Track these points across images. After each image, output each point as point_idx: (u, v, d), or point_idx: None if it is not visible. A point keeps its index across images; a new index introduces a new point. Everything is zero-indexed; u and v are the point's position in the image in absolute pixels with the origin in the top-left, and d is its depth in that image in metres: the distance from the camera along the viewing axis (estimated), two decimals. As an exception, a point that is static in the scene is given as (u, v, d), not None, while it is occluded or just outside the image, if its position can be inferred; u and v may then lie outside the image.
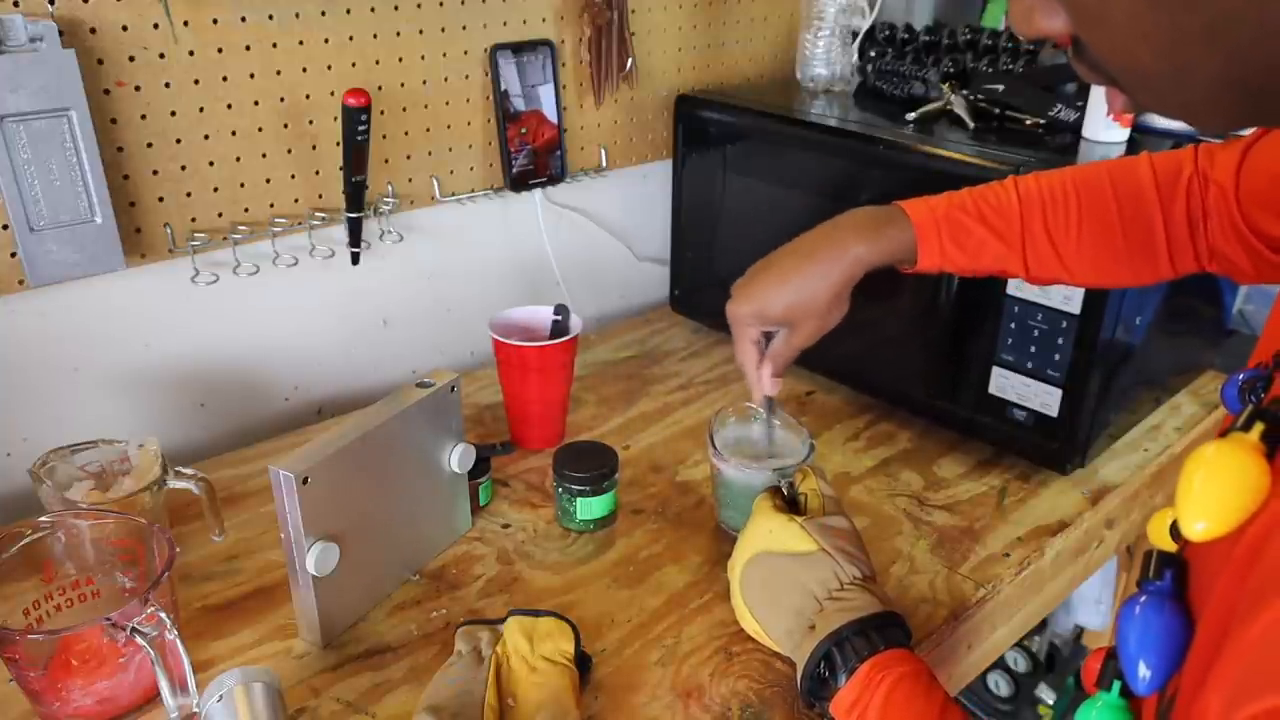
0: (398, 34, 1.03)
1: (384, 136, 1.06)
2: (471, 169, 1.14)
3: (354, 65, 1.01)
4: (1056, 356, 0.93)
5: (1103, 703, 0.48)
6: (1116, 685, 0.48)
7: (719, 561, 0.86)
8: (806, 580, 0.70)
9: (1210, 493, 0.40)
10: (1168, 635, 0.43)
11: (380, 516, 0.79)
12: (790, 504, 0.78)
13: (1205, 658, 0.38)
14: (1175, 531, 0.46)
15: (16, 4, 0.80)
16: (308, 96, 0.99)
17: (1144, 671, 0.43)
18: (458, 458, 0.85)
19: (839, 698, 0.65)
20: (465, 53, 1.09)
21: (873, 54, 1.28)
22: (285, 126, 0.98)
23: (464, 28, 1.08)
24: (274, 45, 0.95)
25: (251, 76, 0.94)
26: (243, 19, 0.92)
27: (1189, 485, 0.41)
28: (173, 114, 0.91)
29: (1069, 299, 0.90)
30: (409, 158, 1.09)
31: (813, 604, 0.69)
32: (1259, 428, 0.40)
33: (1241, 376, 0.47)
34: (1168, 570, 0.45)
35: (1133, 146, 0.99)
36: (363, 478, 0.77)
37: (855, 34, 1.30)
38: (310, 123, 1.00)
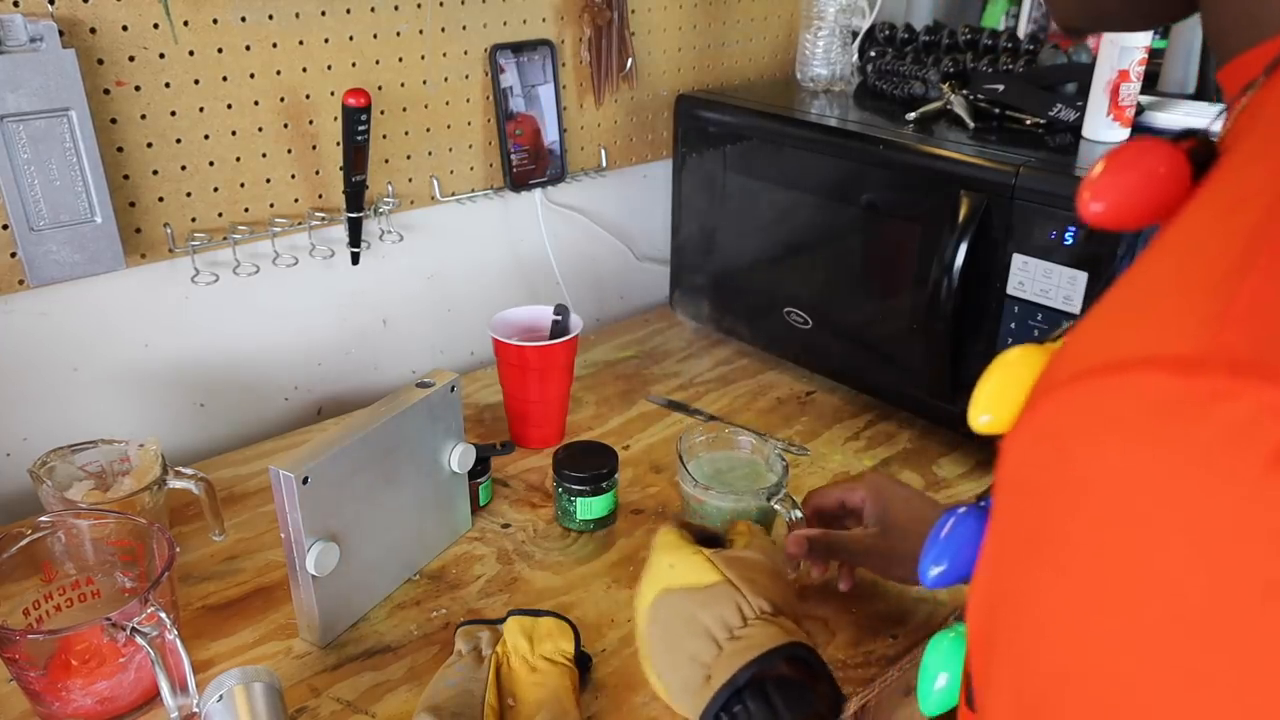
0: (398, 34, 1.03)
1: (384, 136, 1.06)
2: (471, 169, 1.14)
3: (354, 65, 1.01)
4: (1056, 356, 0.92)
5: (955, 632, 0.49)
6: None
7: (719, 561, 0.86)
8: (705, 619, 0.60)
9: (998, 389, 0.40)
10: (969, 540, 0.44)
11: (380, 516, 0.79)
12: (706, 542, 0.68)
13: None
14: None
15: (16, 4, 0.80)
16: (308, 96, 0.99)
17: (934, 569, 0.45)
18: (458, 458, 0.85)
19: None
20: (465, 53, 1.09)
21: (873, 54, 1.28)
22: (285, 126, 0.98)
23: (464, 28, 1.08)
24: (274, 45, 0.95)
25: (251, 76, 0.94)
26: (243, 19, 0.92)
27: (983, 382, 0.41)
28: (173, 114, 0.91)
29: (1069, 299, 0.90)
30: (409, 158, 1.09)
31: (711, 648, 0.59)
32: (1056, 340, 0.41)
33: None
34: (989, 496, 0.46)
35: (1133, 146, 0.99)
36: (363, 478, 0.77)
37: (855, 34, 1.30)
38: (310, 123, 1.00)
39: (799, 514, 0.82)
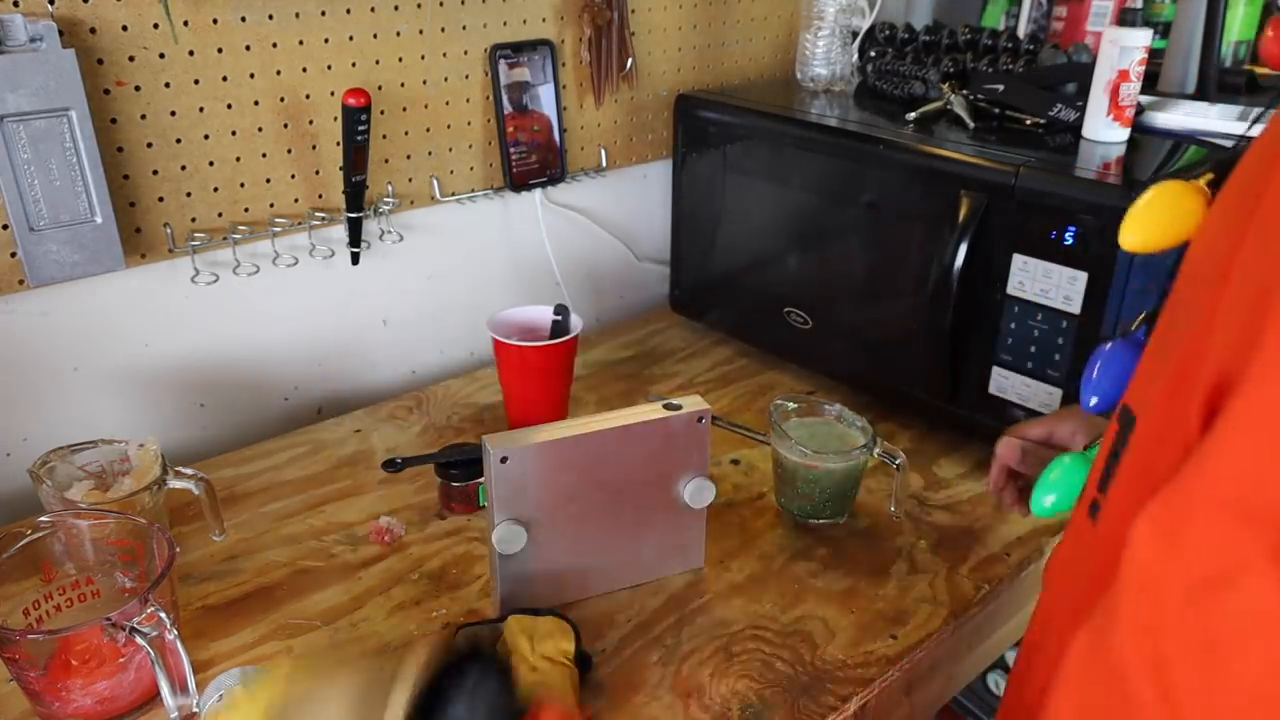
0: (398, 34, 1.03)
1: (384, 136, 1.06)
2: (471, 169, 1.14)
3: (354, 65, 1.01)
4: (1056, 356, 0.93)
5: (1070, 459, 0.55)
6: (1092, 450, 0.53)
7: (719, 561, 0.86)
8: None
9: (1148, 214, 0.47)
10: (1119, 365, 0.50)
11: (587, 520, 0.78)
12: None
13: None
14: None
15: (16, 4, 0.80)
16: (308, 96, 0.99)
17: (1093, 399, 0.51)
18: (690, 491, 0.80)
19: None
20: (465, 53, 1.09)
21: (873, 54, 1.28)
22: (285, 126, 0.98)
23: (464, 28, 1.08)
24: (274, 45, 0.95)
25: (251, 76, 0.94)
26: (243, 19, 0.92)
27: (1134, 208, 0.48)
28: (173, 114, 0.91)
29: (1069, 299, 0.90)
30: (409, 158, 1.09)
31: None
32: (1208, 175, 0.46)
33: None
34: (1144, 326, 0.51)
35: (1132, 146, 0.99)
36: (571, 477, 0.76)
37: (855, 34, 1.30)
38: (310, 123, 1.00)
39: (903, 459, 0.87)
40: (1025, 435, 0.79)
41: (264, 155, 0.98)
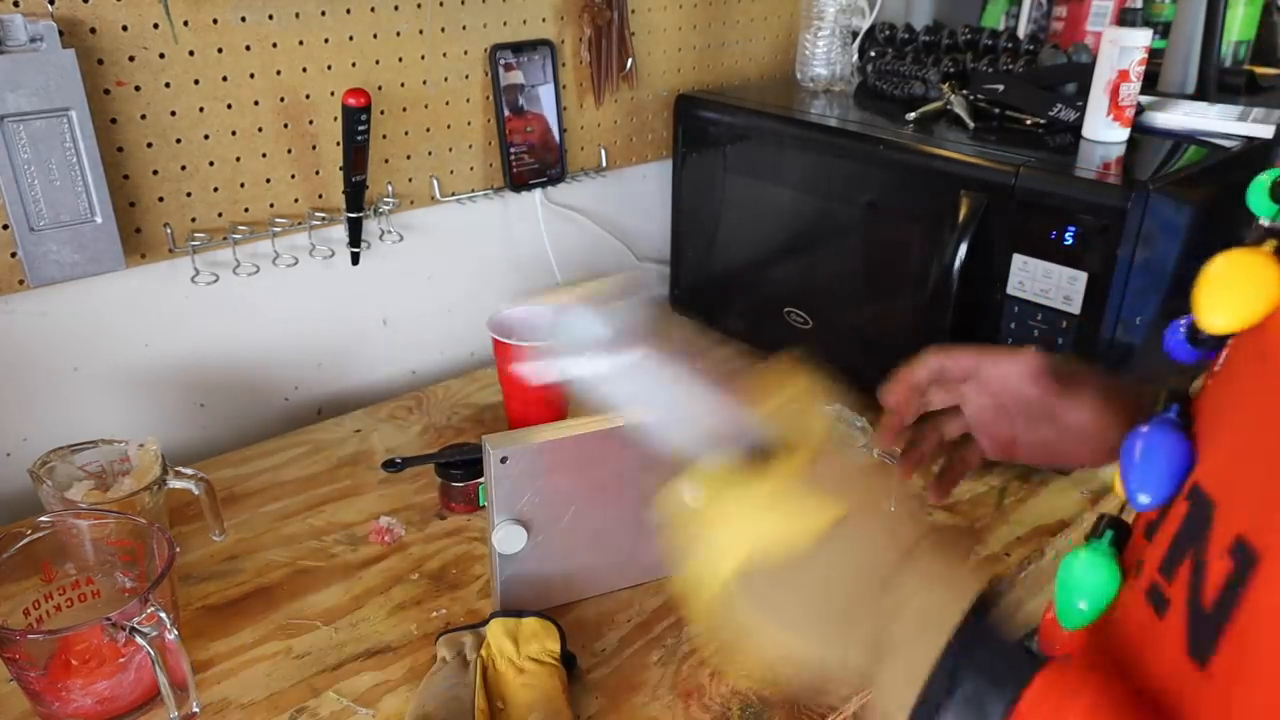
0: (398, 34, 1.03)
1: (384, 136, 1.06)
2: (471, 169, 1.14)
3: (354, 65, 1.01)
4: (1056, 356, 0.93)
5: (1089, 549, 0.48)
6: (1108, 534, 0.48)
7: (719, 561, 0.86)
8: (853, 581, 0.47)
9: (1230, 293, 0.42)
10: (1170, 458, 0.44)
11: (589, 521, 0.79)
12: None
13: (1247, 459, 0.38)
14: (1192, 334, 0.47)
15: (16, 4, 0.80)
16: (308, 96, 0.99)
17: (1144, 497, 0.44)
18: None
19: None
20: (465, 53, 1.09)
21: (873, 54, 1.28)
22: (285, 126, 0.98)
23: (464, 28, 1.08)
24: (274, 45, 0.95)
25: (251, 76, 0.94)
26: (243, 19, 0.92)
27: (1205, 286, 0.44)
28: (173, 114, 0.91)
29: (1069, 299, 0.90)
30: (409, 158, 1.09)
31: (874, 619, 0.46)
32: (1272, 243, 0.43)
33: (1183, 321, 0.49)
34: (1174, 404, 0.46)
35: (1132, 146, 0.99)
36: (570, 478, 0.76)
37: (855, 34, 1.30)
38: (310, 123, 1.00)
39: (863, 422, 0.84)
40: (915, 384, 0.67)
41: (264, 155, 0.98)
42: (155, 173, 0.92)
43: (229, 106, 0.94)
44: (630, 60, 1.23)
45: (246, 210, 0.99)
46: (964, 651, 0.42)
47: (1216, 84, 1.19)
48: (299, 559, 0.86)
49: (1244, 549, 0.36)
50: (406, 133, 1.07)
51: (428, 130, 1.09)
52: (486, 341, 1.01)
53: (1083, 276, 0.88)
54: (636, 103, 1.28)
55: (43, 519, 0.73)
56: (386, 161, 1.07)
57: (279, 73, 0.96)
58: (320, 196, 1.03)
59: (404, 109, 1.06)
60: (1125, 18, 0.96)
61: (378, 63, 1.02)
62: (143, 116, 0.89)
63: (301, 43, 0.97)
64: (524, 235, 1.25)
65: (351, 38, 1.00)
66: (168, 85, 0.90)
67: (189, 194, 0.94)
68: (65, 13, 0.82)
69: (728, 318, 1.26)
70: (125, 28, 0.86)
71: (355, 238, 1.05)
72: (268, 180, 0.99)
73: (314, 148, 1.01)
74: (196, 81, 0.91)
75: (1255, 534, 0.36)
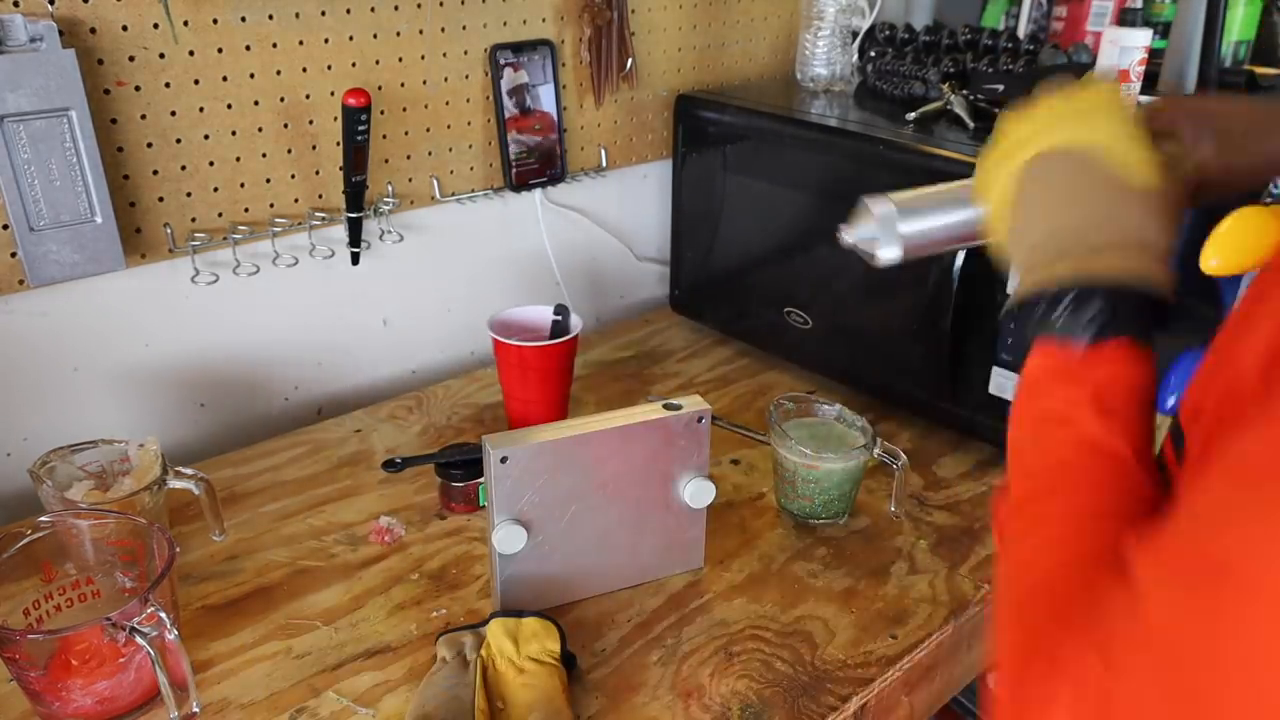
0: (398, 34, 1.03)
1: (384, 136, 1.06)
2: (471, 169, 1.14)
3: (354, 65, 1.01)
4: (1056, 356, 0.92)
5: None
6: None
7: (719, 561, 0.86)
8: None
9: (1229, 239, 0.48)
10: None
11: (589, 521, 0.79)
12: None
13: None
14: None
15: (16, 4, 0.80)
16: (308, 96, 0.99)
17: (1170, 399, 0.51)
18: (691, 492, 0.81)
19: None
20: (465, 53, 1.09)
21: (873, 54, 1.28)
22: (285, 126, 0.98)
23: (464, 28, 1.08)
24: (274, 45, 0.95)
25: (251, 76, 0.94)
26: (243, 19, 0.92)
27: (1215, 233, 0.49)
28: (173, 114, 0.91)
29: (1069, 299, 0.90)
30: (409, 158, 1.09)
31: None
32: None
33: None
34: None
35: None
36: (571, 478, 0.76)
37: (855, 34, 1.30)
38: (310, 123, 1.00)
39: (903, 459, 0.87)
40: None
41: (264, 155, 0.98)
42: (155, 173, 0.92)
43: (229, 106, 0.94)
44: (630, 60, 1.23)
45: (246, 210, 0.99)
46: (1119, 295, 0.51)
47: (1216, 84, 1.19)
48: (299, 559, 0.86)
49: (1176, 425, 0.44)
50: (406, 133, 1.07)
51: (428, 130, 1.09)
52: (486, 341, 1.01)
53: (1083, 276, 0.88)
54: (636, 103, 1.28)
55: (43, 519, 0.73)
56: (386, 161, 1.07)
57: (279, 73, 0.96)
58: (320, 196, 1.03)
59: (404, 109, 1.06)
60: (1125, 18, 0.96)
61: (378, 63, 1.02)
62: (143, 116, 0.89)
63: (301, 43, 0.97)
64: (524, 235, 1.25)
65: (351, 38, 1.00)
66: (168, 85, 0.90)
67: (189, 194, 0.94)
68: (65, 13, 0.82)
69: (728, 317, 1.26)
70: (125, 28, 0.86)
71: (355, 238, 1.05)
72: (268, 180, 0.99)
73: (314, 148, 1.01)
74: (196, 81, 0.91)
75: (1187, 411, 0.44)
